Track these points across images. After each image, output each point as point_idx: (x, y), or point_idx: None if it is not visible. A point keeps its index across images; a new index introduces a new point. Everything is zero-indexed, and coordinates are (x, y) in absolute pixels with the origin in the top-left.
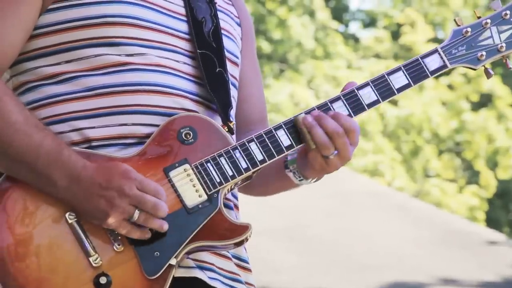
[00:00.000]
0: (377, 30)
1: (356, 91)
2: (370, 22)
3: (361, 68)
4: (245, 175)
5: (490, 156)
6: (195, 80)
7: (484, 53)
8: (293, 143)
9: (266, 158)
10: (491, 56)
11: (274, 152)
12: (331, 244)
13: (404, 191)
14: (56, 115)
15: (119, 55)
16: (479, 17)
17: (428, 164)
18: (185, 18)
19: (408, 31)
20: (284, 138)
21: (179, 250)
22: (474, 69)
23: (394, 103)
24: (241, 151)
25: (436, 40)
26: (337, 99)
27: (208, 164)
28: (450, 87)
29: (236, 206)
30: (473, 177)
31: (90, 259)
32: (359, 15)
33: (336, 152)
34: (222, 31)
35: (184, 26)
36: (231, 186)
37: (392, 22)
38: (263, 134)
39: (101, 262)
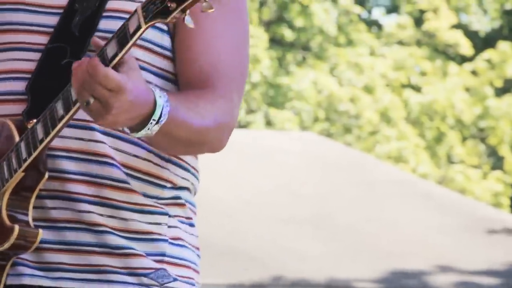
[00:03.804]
0: (400, 16)
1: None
2: (392, 8)
3: (384, 55)
4: (16, 175)
5: None
6: (28, 76)
7: (174, 2)
8: (44, 137)
9: (27, 156)
10: (183, 2)
11: (31, 148)
12: (356, 233)
13: (428, 177)
14: None
15: None
16: None
17: (452, 151)
18: (61, 11)
19: (431, 17)
20: (40, 130)
21: None
22: (166, 22)
23: (418, 89)
24: (14, 152)
25: (459, 25)
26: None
27: None
28: (474, 73)
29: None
30: (497, 163)
31: None
32: (381, 1)
33: (92, 99)
34: (107, 13)
35: (53, 20)
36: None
37: (415, 8)
38: (28, 131)
39: None
